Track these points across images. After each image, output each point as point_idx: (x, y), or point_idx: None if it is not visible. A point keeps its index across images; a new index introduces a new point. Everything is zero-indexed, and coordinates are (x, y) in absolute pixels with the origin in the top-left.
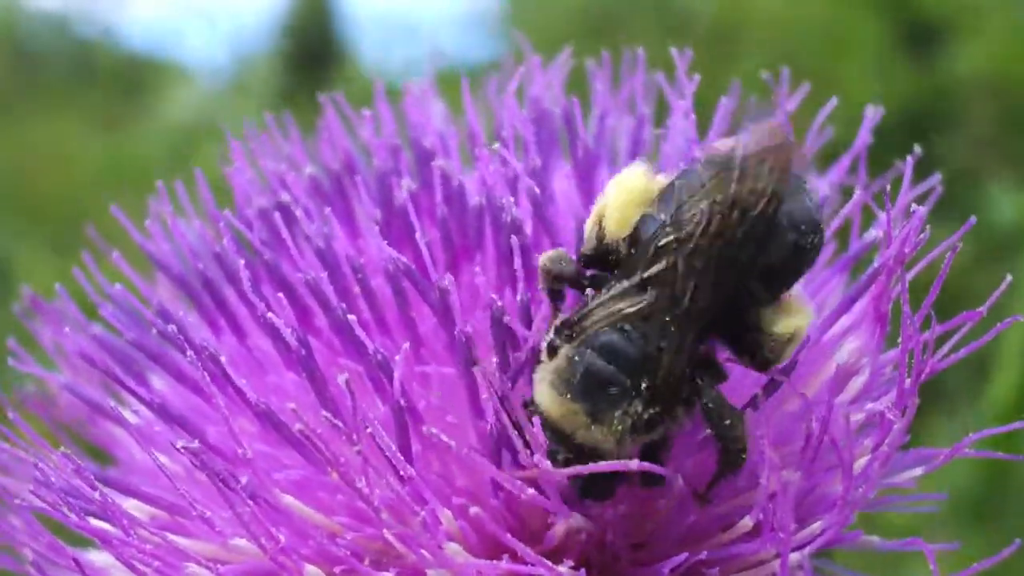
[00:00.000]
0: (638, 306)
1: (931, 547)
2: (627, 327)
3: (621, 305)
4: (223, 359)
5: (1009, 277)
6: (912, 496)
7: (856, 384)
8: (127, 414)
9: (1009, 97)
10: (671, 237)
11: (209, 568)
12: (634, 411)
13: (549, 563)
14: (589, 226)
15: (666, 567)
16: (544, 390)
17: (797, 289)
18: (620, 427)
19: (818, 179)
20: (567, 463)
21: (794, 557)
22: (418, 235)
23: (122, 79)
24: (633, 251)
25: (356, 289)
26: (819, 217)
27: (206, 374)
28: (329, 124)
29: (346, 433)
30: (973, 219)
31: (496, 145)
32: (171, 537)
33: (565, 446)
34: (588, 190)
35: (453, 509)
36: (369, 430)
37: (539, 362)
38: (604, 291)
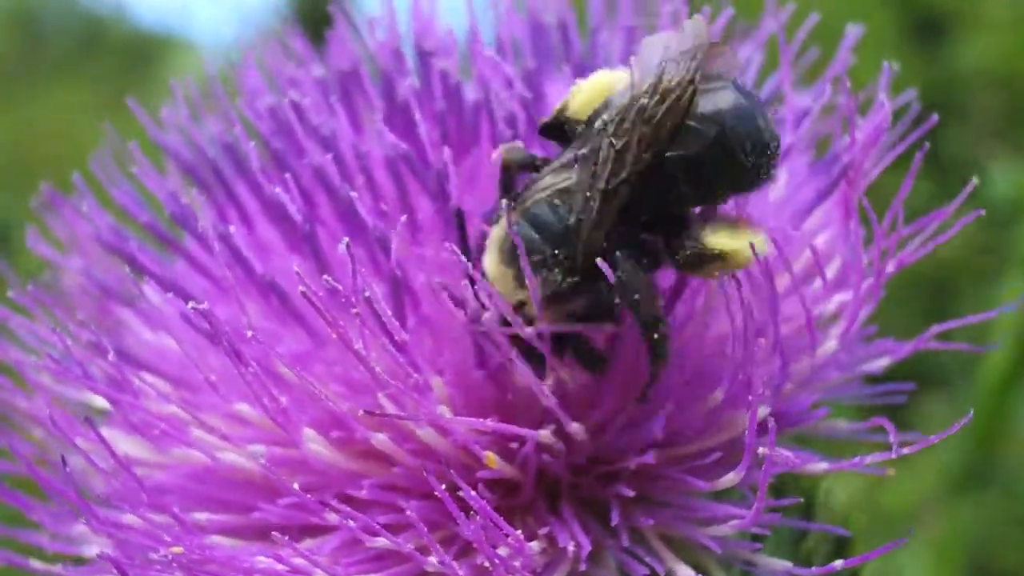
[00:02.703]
0: (566, 182)
1: (892, 426)
2: (556, 201)
3: (553, 180)
4: (232, 230)
5: None
6: (881, 386)
7: (828, 274)
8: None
9: (1016, 89)
10: (605, 121)
11: (212, 433)
12: (553, 279)
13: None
14: (560, 103)
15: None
16: (489, 255)
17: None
18: (541, 291)
19: (802, 96)
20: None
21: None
22: (419, 127)
23: (130, 54)
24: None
25: (360, 179)
26: (768, 139)
27: (216, 250)
28: (338, 32)
29: (345, 297)
30: (974, 180)
31: (492, 49)
32: (177, 405)
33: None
34: None
35: (444, 378)
36: (367, 294)
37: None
38: (547, 169)
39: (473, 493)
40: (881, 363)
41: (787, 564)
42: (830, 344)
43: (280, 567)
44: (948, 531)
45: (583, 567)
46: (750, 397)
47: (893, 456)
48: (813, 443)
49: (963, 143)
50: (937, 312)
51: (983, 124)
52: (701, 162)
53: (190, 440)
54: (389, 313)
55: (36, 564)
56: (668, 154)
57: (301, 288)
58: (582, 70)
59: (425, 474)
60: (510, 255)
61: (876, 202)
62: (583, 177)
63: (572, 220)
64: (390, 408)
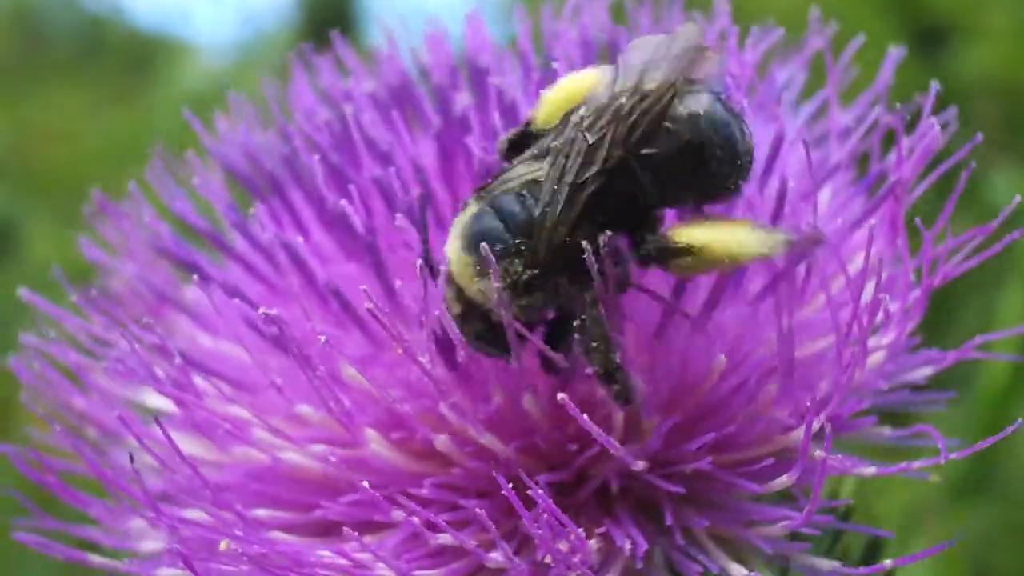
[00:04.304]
0: (535, 173)
1: (942, 436)
2: (524, 192)
3: (524, 171)
4: (299, 240)
5: None
6: (924, 394)
7: (872, 287)
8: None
9: (1017, 99)
10: (581, 116)
11: (275, 433)
12: (514, 270)
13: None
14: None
15: (697, 443)
16: (451, 242)
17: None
18: (501, 281)
19: (842, 113)
20: (461, 318)
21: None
22: (472, 141)
23: (131, 55)
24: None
25: (417, 190)
26: (741, 149)
27: (280, 258)
28: (389, 48)
29: (412, 314)
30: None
31: (555, 64)
32: (240, 406)
33: (459, 299)
34: None
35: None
36: (438, 313)
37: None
38: (518, 159)
39: (540, 491)
40: (924, 372)
41: (835, 564)
42: (878, 355)
43: (343, 561)
44: (948, 529)
45: (639, 565)
46: (808, 403)
47: (942, 461)
48: (849, 447)
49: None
50: (938, 320)
51: (984, 133)
52: (670, 164)
53: (252, 440)
54: (455, 331)
55: (96, 559)
56: (642, 151)
57: (368, 305)
58: None
59: (494, 473)
60: (471, 242)
61: None
62: (553, 170)
63: (538, 211)
64: (451, 416)
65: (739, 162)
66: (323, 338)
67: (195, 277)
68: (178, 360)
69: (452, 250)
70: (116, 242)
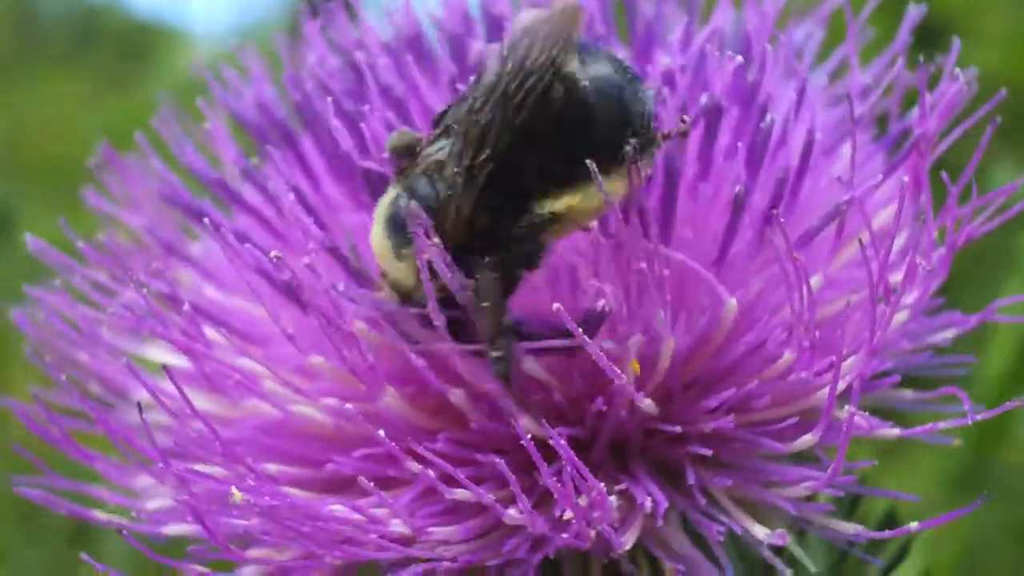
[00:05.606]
0: (441, 152)
1: (965, 395)
2: (434, 174)
3: (432, 150)
4: (305, 190)
5: None
6: (946, 357)
7: (896, 245)
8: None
9: (1015, 98)
10: (474, 97)
11: (286, 385)
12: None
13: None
14: None
15: (715, 400)
16: (375, 226)
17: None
18: (415, 264)
19: (860, 73)
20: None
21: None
22: None
23: (126, 44)
24: None
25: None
26: (637, 118)
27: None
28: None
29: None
30: None
31: None
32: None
33: (387, 280)
34: (645, 63)
35: None
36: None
37: None
38: (428, 138)
39: (562, 442)
40: (947, 335)
41: (858, 527)
42: (902, 314)
43: (357, 516)
44: (940, 535)
45: (659, 523)
46: (832, 360)
47: (969, 423)
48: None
49: (963, 150)
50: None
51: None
52: (551, 134)
53: (263, 392)
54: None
55: (100, 515)
56: (527, 128)
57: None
58: (649, 36)
59: (513, 424)
60: (391, 226)
61: None
62: (452, 152)
63: (443, 195)
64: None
65: (631, 124)
66: (341, 285)
67: (206, 220)
68: (187, 308)
69: (375, 231)
70: (121, 195)
